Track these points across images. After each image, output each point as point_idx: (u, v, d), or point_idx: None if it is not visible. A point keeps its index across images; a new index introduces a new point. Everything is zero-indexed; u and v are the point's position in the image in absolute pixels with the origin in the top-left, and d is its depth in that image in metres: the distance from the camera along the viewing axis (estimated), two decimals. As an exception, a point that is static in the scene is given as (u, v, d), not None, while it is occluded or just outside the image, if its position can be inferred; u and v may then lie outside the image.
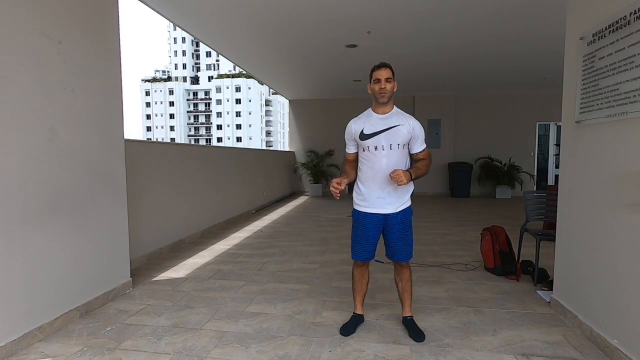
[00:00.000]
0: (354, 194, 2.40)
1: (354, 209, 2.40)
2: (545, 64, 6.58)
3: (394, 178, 2.09)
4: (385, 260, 3.78)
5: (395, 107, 2.34)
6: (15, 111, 2.16)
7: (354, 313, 2.54)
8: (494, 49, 5.94)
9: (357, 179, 2.39)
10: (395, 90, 2.27)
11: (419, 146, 2.31)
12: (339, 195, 2.17)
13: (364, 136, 2.28)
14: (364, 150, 2.31)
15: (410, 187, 2.34)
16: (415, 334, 2.34)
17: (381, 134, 2.24)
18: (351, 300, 2.70)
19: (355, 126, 2.34)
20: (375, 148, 2.25)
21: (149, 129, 77.60)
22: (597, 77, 2.30)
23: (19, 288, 2.20)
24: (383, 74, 2.22)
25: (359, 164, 2.38)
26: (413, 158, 2.34)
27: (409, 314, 2.47)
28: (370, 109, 2.36)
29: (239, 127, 74.97)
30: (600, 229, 2.27)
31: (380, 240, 2.40)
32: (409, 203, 2.35)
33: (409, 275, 2.44)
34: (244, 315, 2.70)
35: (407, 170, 2.16)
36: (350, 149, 2.41)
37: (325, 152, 10.63)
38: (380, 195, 2.27)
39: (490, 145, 10.08)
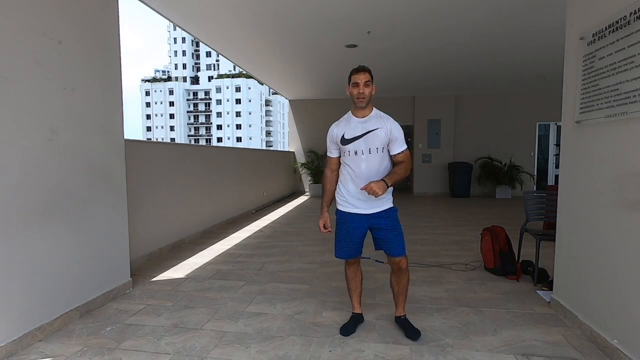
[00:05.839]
0: (337, 195, 2.40)
1: (337, 209, 2.41)
2: (545, 59, 6.57)
3: (368, 193, 2.09)
4: (385, 260, 3.77)
5: (374, 109, 2.32)
6: (15, 111, 2.16)
7: (352, 313, 2.55)
8: (494, 47, 5.93)
9: (339, 181, 2.39)
10: (374, 93, 2.25)
11: (398, 147, 2.27)
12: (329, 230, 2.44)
13: (345, 141, 2.28)
14: (344, 155, 2.32)
15: (390, 188, 2.32)
16: (412, 332, 2.34)
17: (360, 139, 2.24)
18: (351, 300, 2.70)
19: (336, 130, 2.33)
20: (355, 153, 2.25)
21: (149, 129, 77.62)
22: (597, 77, 2.30)
23: (19, 288, 2.20)
24: (361, 78, 2.19)
25: (341, 167, 2.39)
26: (392, 159, 2.32)
27: (403, 313, 2.46)
28: (350, 112, 2.35)
29: (239, 127, 74.99)
30: (600, 229, 2.27)
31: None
32: (391, 203, 2.34)
33: (407, 280, 2.39)
34: (244, 315, 2.70)
35: (381, 180, 2.12)
36: (333, 153, 2.42)
37: (325, 152, 10.61)
38: (360, 197, 2.27)
39: (490, 145, 10.08)
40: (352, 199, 2.30)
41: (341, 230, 2.37)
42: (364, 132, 2.24)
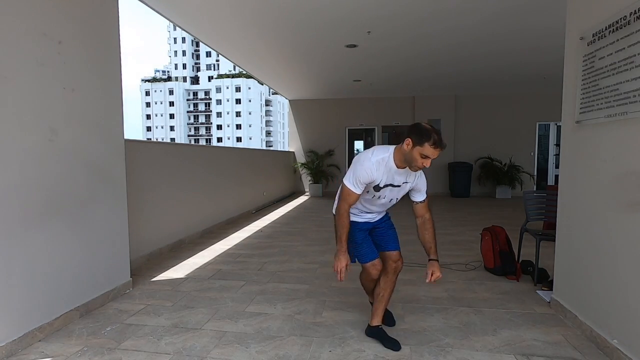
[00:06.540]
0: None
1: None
2: (545, 59, 6.57)
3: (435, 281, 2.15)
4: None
5: None
6: (15, 111, 2.16)
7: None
8: (494, 47, 5.93)
9: None
10: None
11: (420, 197, 2.25)
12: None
13: (377, 188, 2.14)
14: (364, 192, 2.18)
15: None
16: (392, 343, 2.24)
17: (387, 187, 2.15)
18: (351, 300, 2.71)
19: (376, 175, 2.09)
20: (379, 197, 2.19)
21: (149, 129, 77.63)
22: (597, 77, 2.30)
23: (19, 288, 2.20)
24: (436, 155, 1.97)
25: None
26: (413, 207, 2.28)
27: (381, 323, 2.34)
28: (392, 157, 2.07)
29: (239, 127, 75.00)
30: (601, 229, 2.27)
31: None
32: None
33: (394, 286, 2.35)
34: (244, 315, 2.70)
35: (435, 261, 2.17)
36: (359, 189, 2.10)
37: (325, 152, 10.63)
38: (372, 214, 2.33)
39: (490, 145, 10.08)
40: (364, 215, 2.31)
41: (358, 235, 2.27)
42: (394, 183, 2.14)
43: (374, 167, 2.06)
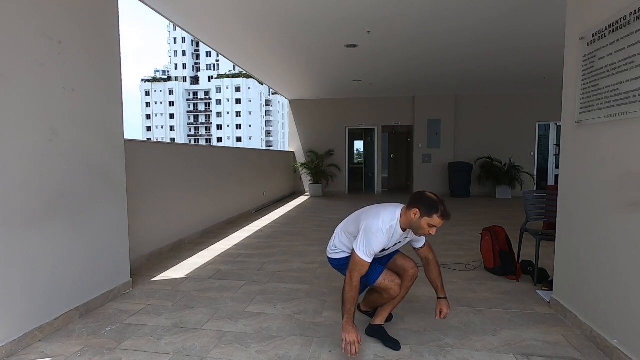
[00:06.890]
0: (340, 252, 2.32)
1: (340, 258, 2.32)
2: (545, 59, 6.57)
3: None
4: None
5: None
6: (15, 111, 2.16)
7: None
8: (494, 47, 5.94)
9: (341, 250, 2.31)
10: None
11: (420, 244, 2.32)
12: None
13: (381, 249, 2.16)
14: None
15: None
16: (392, 342, 2.25)
17: (391, 246, 2.23)
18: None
19: (387, 241, 2.11)
20: (381, 252, 2.22)
21: (149, 129, 77.64)
22: (597, 77, 2.30)
23: (18, 288, 2.20)
24: (441, 224, 2.02)
25: (346, 243, 2.28)
26: (416, 252, 2.34)
27: (384, 322, 2.36)
28: (399, 222, 2.10)
29: (239, 127, 75.01)
30: (600, 229, 2.27)
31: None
32: None
33: (409, 290, 2.35)
34: (244, 315, 2.70)
35: (445, 299, 2.28)
36: (372, 259, 2.07)
37: (325, 152, 10.63)
38: None
39: (490, 145, 10.08)
40: None
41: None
42: (397, 242, 2.21)
43: (386, 234, 2.08)
